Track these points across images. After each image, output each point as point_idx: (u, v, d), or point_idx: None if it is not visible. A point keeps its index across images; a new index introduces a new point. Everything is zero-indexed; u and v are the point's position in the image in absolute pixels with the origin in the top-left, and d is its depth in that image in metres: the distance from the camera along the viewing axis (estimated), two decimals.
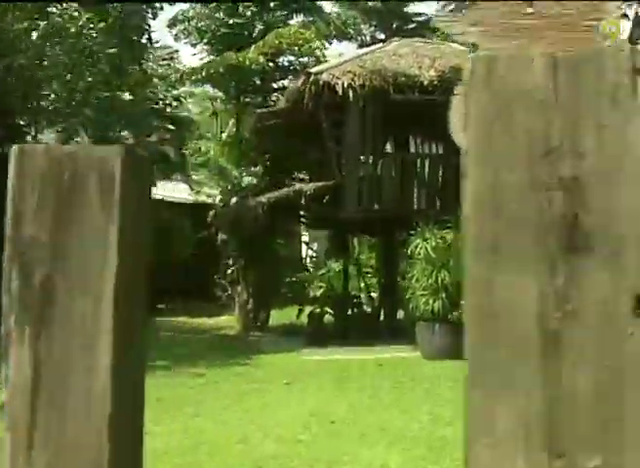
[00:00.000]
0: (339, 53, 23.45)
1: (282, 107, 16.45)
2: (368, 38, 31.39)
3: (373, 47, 18.36)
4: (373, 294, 17.92)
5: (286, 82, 20.44)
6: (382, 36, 30.61)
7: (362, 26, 30.93)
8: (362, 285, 18.24)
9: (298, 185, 16.51)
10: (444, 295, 12.36)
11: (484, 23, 2.32)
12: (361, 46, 31.21)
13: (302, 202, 15.38)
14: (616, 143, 1.73)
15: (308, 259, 31.52)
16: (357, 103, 14.57)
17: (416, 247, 12.88)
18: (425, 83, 14.79)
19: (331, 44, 25.67)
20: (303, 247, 30.63)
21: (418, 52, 16.65)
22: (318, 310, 16.83)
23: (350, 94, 14.36)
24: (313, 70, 14.89)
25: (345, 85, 14.36)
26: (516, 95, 1.81)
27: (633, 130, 1.73)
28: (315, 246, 30.52)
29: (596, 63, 1.77)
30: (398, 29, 29.73)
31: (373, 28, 31.32)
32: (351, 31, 27.87)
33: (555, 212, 1.73)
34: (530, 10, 2.25)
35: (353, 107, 14.69)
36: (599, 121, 1.73)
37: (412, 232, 13.47)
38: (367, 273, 19.28)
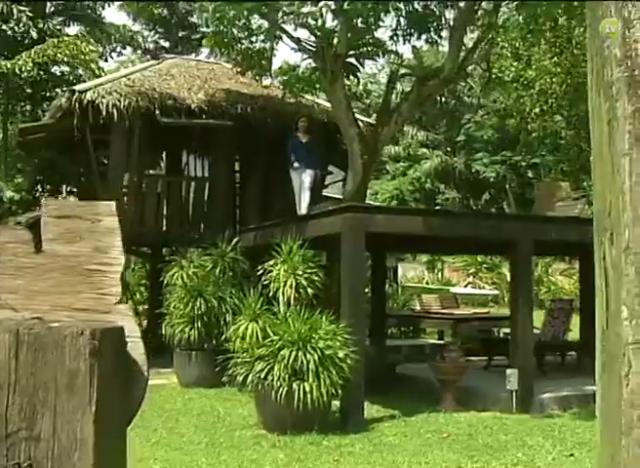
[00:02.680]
0: (115, 67, 22.97)
1: (48, 123, 15.85)
2: (151, 46, 31.07)
3: (146, 64, 18.14)
4: (142, 318, 17.62)
5: (59, 91, 19.78)
6: (167, 44, 30.48)
7: (146, 34, 30.54)
8: (129, 303, 17.91)
9: None
10: (199, 324, 12.38)
11: None
12: (144, 53, 30.88)
13: None
14: (69, 431, 1.80)
15: None
16: (122, 124, 14.30)
17: (173, 275, 12.85)
18: (193, 106, 14.78)
19: (112, 56, 25.35)
20: None
21: (190, 72, 16.62)
22: None
23: (115, 114, 14.06)
24: (78, 88, 14.44)
25: (110, 105, 14.05)
26: None
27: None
28: None
29: (57, 347, 1.83)
30: (183, 38, 29.71)
31: (158, 36, 30.96)
32: (133, 40, 27.44)
33: None
34: (37, 250, 2.28)
35: (118, 128, 14.41)
36: (55, 407, 1.80)
37: (172, 258, 13.46)
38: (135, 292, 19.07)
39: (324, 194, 17.53)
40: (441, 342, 17.62)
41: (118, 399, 1.90)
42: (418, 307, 19.71)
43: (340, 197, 15.47)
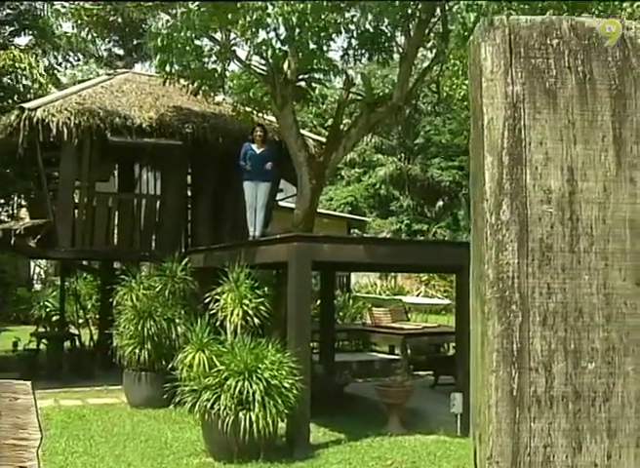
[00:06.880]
0: (69, 74, 22.78)
1: None
2: (105, 54, 30.88)
3: (97, 79, 18.03)
4: (93, 330, 17.45)
5: (10, 101, 19.57)
6: (122, 52, 30.33)
7: (99, 42, 30.30)
8: (80, 313, 17.76)
9: (7, 224, 15.92)
10: (149, 346, 12.41)
11: None
12: (98, 61, 30.67)
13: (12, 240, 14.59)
14: None
15: (36, 276, 30.33)
16: (72, 142, 14.22)
17: (123, 295, 12.87)
18: (144, 125, 14.76)
19: (65, 65, 25.12)
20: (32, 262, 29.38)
21: (141, 88, 16.59)
22: (34, 343, 16.31)
23: (65, 132, 14.00)
24: (27, 106, 14.34)
25: (61, 123, 13.99)
26: None
27: None
28: (44, 261, 29.30)
29: None
30: (138, 46, 29.57)
31: (112, 44, 30.76)
32: (86, 49, 27.25)
33: None
34: None
35: (69, 145, 14.31)
36: None
37: (122, 277, 13.45)
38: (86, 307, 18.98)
39: (281, 205, 17.58)
40: (391, 357, 17.82)
41: None
42: (368, 321, 19.84)
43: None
